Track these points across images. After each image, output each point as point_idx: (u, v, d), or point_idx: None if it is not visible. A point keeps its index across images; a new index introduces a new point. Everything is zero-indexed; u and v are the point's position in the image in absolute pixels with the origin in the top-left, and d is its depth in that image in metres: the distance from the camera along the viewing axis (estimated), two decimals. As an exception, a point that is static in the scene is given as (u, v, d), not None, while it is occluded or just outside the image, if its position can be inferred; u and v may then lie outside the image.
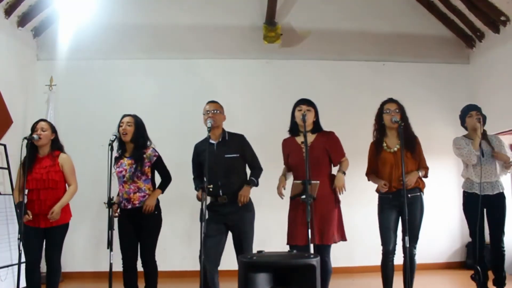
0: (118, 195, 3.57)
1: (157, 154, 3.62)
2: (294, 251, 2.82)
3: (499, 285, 3.78)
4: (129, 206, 3.47)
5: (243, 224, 3.38)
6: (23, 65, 5.40)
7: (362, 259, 5.24)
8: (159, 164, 3.61)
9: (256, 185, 3.46)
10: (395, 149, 3.47)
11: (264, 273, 2.26)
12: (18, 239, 3.26)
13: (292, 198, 3.17)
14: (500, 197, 3.79)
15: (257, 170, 3.52)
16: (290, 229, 3.31)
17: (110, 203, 3.26)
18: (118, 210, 3.52)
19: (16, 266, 3.46)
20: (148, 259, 3.49)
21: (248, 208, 3.42)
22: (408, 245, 3.18)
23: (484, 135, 3.83)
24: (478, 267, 3.70)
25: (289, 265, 2.30)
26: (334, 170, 3.42)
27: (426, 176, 3.54)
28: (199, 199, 3.31)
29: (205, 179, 3.11)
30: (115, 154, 3.59)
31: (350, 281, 5.00)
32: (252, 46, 5.79)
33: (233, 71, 5.79)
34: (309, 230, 2.84)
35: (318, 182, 3.08)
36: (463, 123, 3.96)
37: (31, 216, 3.39)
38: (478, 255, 3.78)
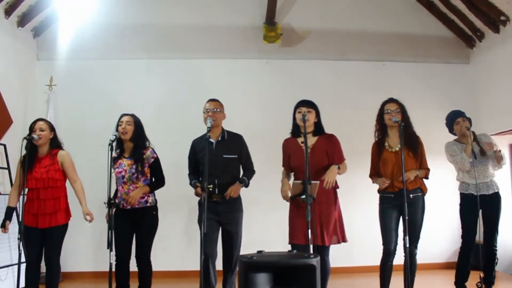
0: (116, 195, 3.57)
1: (155, 156, 3.61)
2: (294, 251, 2.82)
3: (489, 284, 3.79)
4: (128, 207, 3.47)
5: (235, 224, 3.43)
6: (23, 65, 5.40)
7: (362, 259, 5.24)
8: (155, 166, 3.60)
9: (247, 185, 3.48)
10: (397, 148, 3.47)
11: (264, 273, 2.26)
12: (18, 239, 3.26)
13: (292, 198, 3.17)
14: (496, 197, 3.81)
15: (249, 171, 3.54)
16: (291, 228, 3.31)
17: (110, 203, 3.26)
18: (114, 210, 3.49)
19: (16, 266, 3.45)
20: (144, 258, 3.51)
21: (240, 208, 3.49)
22: (408, 245, 3.18)
23: (474, 137, 3.88)
24: (481, 273, 3.73)
25: (289, 265, 2.30)
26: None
27: (426, 177, 3.53)
28: (198, 194, 3.32)
29: (202, 179, 3.11)
30: (113, 154, 3.59)
31: (350, 281, 5.00)
32: (252, 46, 5.79)
33: (233, 71, 5.78)
34: (309, 230, 2.84)
35: (318, 182, 3.08)
36: (451, 130, 4.01)
37: (7, 230, 3.44)
38: (464, 258, 3.82)
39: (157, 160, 3.61)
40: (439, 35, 5.96)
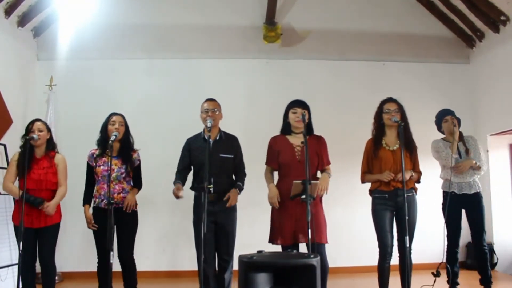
0: (95, 193, 3.55)
1: (140, 159, 3.67)
2: (294, 251, 2.82)
3: (486, 284, 3.79)
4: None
5: (230, 223, 3.45)
6: (23, 65, 5.40)
7: (362, 259, 5.23)
8: (138, 170, 3.67)
9: (241, 190, 3.50)
10: (395, 148, 3.47)
11: (264, 273, 2.26)
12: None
13: (292, 198, 3.17)
14: (478, 197, 3.85)
15: (242, 174, 3.57)
16: (277, 229, 3.30)
17: (110, 202, 3.26)
18: (92, 210, 3.52)
19: (16, 266, 3.45)
20: (129, 257, 3.53)
21: (235, 208, 3.51)
22: (408, 245, 3.18)
23: (461, 136, 3.92)
24: (448, 266, 3.78)
25: (289, 265, 2.30)
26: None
27: (418, 181, 3.57)
28: (175, 195, 3.30)
29: (203, 178, 3.11)
30: (92, 150, 3.62)
31: (350, 281, 5.00)
32: (252, 46, 5.79)
33: (233, 71, 5.78)
34: (309, 230, 2.83)
35: (318, 182, 3.08)
36: (439, 128, 4.04)
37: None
38: (451, 255, 3.84)
39: (140, 164, 3.68)
40: (439, 35, 5.96)
